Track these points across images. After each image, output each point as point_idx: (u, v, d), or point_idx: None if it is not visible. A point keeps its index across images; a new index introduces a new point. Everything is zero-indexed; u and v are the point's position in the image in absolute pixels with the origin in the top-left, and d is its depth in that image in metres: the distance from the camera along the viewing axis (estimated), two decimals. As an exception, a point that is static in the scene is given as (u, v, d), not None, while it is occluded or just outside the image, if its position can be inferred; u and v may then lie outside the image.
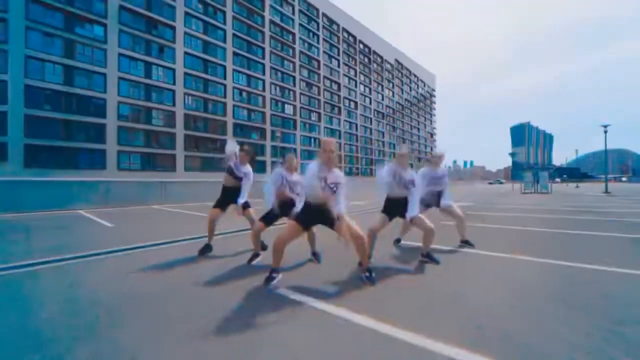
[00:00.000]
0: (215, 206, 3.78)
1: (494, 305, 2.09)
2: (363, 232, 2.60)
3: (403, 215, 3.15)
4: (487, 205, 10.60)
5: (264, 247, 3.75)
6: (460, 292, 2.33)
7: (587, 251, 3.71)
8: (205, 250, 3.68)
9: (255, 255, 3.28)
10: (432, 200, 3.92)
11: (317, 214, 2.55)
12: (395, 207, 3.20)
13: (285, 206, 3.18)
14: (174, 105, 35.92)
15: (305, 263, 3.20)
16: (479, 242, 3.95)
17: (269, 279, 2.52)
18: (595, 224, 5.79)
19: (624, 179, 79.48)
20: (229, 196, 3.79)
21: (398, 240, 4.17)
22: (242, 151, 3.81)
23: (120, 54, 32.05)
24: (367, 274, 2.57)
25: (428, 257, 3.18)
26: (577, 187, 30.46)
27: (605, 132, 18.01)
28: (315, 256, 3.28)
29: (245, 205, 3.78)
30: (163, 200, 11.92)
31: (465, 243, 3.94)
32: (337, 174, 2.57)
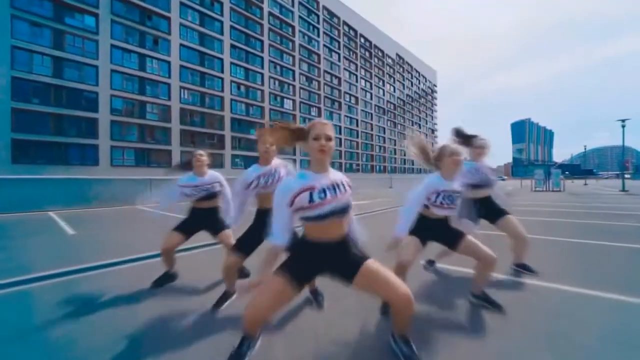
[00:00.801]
0: (175, 229, 2.65)
1: None
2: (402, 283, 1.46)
3: (447, 242, 2.12)
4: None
5: (245, 275, 2.75)
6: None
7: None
8: (164, 280, 2.67)
9: (227, 295, 2.26)
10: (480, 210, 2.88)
11: (329, 261, 1.49)
12: (432, 228, 2.12)
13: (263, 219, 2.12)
14: (169, 99, 34.71)
15: (301, 309, 2.19)
16: (532, 264, 2.94)
17: (238, 355, 1.45)
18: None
19: (627, 176, 78.55)
20: (199, 218, 2.71)
21: (431, 263, 3.10)
22: (201, 156, 2.69)
23: (112, 46, 30.77)
24: (405, 350, 1.51)
25: (485, 299, 2.14)
26: (586, 184, 29.44)
27: (623, 126, 16.90)
28: (316, 297, 2.26)
29: (220, 230, 2.70)
30: (149, 200, 10.92)
31: (522, 267, 2.90)
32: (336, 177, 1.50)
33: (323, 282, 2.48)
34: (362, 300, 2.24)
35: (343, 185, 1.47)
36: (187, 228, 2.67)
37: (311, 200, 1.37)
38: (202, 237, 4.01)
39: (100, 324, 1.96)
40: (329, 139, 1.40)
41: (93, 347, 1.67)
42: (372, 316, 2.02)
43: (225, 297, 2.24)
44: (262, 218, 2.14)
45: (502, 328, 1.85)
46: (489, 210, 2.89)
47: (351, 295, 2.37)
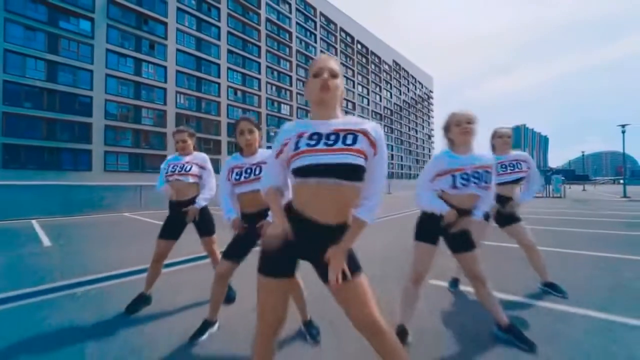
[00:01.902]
0: (161, 236, 2.39)
1: None
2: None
3: (451, 243, 1.78)
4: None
5: (229, 299, 2.38)
6: None
7: None
8: (138, 303, 2.30)
9: (207, 324, 1.89)
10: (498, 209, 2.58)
11: (318, 252, 1.08)
12: (438, 226, 1.74)
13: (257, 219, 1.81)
14: (165, 104, 34.39)
15: (294, 341, 1.83)
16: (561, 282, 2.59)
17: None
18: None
19: (621, 181, 79.02)
20: (179, 217, 2.41)
21: (455, 283, 2.71)
22: (179, 134, 2.49)
23: (108, 50, 30.50)
24: None
25: (511, 332, 1.77)
26: (584, 189, 29.31)
27: (623, 132, 16.80)
28: (310, 330, 1.87)
29: (205, 232, 2.43)
30: (139, 207, 10.47)
31: (550, 287, 2.54)
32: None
33: (319, 314, 2.12)
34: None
35: (353, 136, 1.04)
36: (170, 230, 2.40)
37: (296, 147, 1.05)
38: (183, 251, 3.65)
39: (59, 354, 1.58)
40: (334, 75, 1.08)
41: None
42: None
43: (205, 327, 1.87)
44: (250, 221, 1.83)
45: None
46: (502, 213, 2.56)
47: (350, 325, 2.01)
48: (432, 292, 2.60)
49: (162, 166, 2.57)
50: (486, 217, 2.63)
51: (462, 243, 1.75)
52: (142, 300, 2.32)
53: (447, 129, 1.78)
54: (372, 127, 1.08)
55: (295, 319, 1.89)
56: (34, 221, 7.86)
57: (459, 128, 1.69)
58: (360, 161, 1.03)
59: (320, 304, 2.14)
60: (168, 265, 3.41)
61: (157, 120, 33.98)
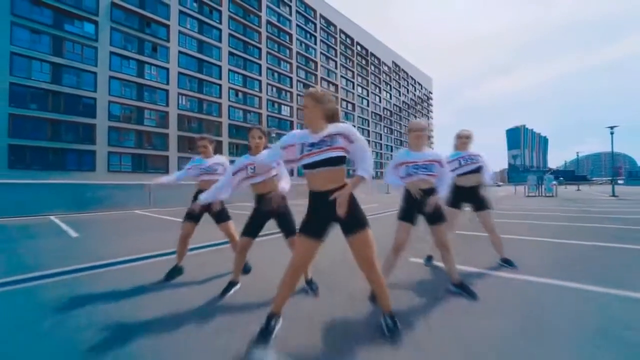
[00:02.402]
0: (186, 219, 2.95)
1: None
2: (381, 253, 1.80)
3: (428, 217, 2.34)
4: (497, 211, 9.86)
5: (246, 270, 2.94)
6: (526, 350, 1.55)
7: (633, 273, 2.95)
8: (174, 273, 2.87)
9: (232, 284, 2.47)
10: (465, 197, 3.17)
11: (331, 209, 1.67)
12: (418, 203, 2.31)
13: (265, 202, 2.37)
14: (167, 105, 34.95)
15: (297, 296, 2.39)
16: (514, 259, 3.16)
17: (266, 332, 1.68)
18: (628, 235, 5.05)
19: (620, 181, 79.73)
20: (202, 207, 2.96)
21: (429, 259, 3.31)
22: (202, 140, 3.11)
23: (111, 52, 31.07)
24: (390, 322, 1.75)
25: (461, 288, 2.37)
26: (579, 189, 29.90)
27: (612, 133, 17.42)
28: (311, 286, 2.47)
29: (222, 218, 2.98)
30: (149, 205, 11.04)
31: (505, 263, 3.14)
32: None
33: (316, 275, 2.70)
34: (352, 290, 2.44)
35: (332, 139, 1.68)
36: (195, 216, 2.94)
37: (300, 152, 1.74)
38: (208, 237, 4.20)
39: (119, 314, 2.14)
40: (305, 107, 1.74)
41: (112, 332, 1.86)
42: (362, 302, 2.21)
43: (230, 286, 2.46)
44: (261, 203, 2.40)
45: (475, 312, 2.06)
46: (475, 199, 3.14)
47: (343, 285, 2.58)
48: (412, 267, 3.17)
49: (187, 165, 3.18)
50: (458, 206, 3.22)
51: (436, 217, 2.33)
52: (176, 270, 2.89)
53: (408, 134, 2.43)
54: (344, 127, 1.71)
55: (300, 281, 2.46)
56: (52, 217, 8.43)
57: (413, 134, 2.32)
58: (339, 153, 1.68)
59: (319, 272, 2.71)
60: (193, 249, 3.98)
61: (160, 122, 34.53)
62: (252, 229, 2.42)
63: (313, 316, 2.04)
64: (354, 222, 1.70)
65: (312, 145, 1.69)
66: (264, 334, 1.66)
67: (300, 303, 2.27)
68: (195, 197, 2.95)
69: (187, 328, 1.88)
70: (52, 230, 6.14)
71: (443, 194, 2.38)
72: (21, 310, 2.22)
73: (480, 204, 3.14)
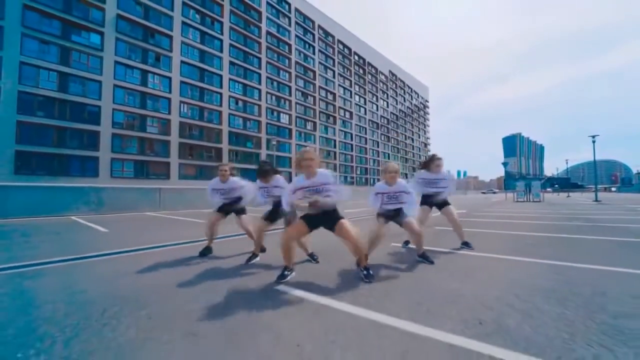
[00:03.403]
0: (217, 210, 3.84)
1: (491, 301, 2.13)
2: (360, 236, 2.67)
3: (398, 222, 3.22)
4: (481, 213, 10.72)
5: (263, 250, 3.76)
6: (457, 290, 2.37)
7: (578, 252, 3.79)
8: (206, 252, 3.69)
9: (254, 255, 3.31)
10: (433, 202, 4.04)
11: (322, 219, 2.64)
12: (390, 214, 3.27)
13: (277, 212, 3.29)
14: (169, 113, 35.90)
15: (304, 263, 3.21)
16: (476, 246, 4.00)
17: (282, 276, 2.58)
18: (586, 229, 5.91)
19: (613, 188, 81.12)
20: (229, 205, 3.86)
21: (407, 242, 4.21)
22: (223, 167, 3.85)
23: (116, 62, 32.10)
24: (365, 272, 2.61)
25: (423, 257, 3.25)
26: (569, 196, 30.96)
27: (594, 142, 18.48)
28: (312, 257, 3.31)
29: (239, 212, 3.82)
30: (158, 208, 11.80)
31: (465, 245, 3.99)
32: (322, 176, 2.61)
33: (316, 248, 3.53)
34: (344, 261, 3.25)
35: (322, 184, 2.58)
36: (223, 210, 3.82)
37: (303, 196, 2.63)
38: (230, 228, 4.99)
39: (168, 279, 2.95)
40: (305, 160, 2.60)
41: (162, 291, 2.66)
42: (350, 267, 3.03)
43: (253, 256, 3.29)
44: (277, 206, 3.27)
45: (436, 273, 2.89)
46: (438, 201, 4.01)
47: (338, 258, 3.39)
48: (392, 250, 3.99)
49: (209, 187, 3.94)
50: (430, 205, 4.05)
51: (401, 219, 3.19)
52: (208, 250, 3.70)
53: (383, 173, 3.31)
54: (325, 175, 2.61)
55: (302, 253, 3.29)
56: (73, 217, 9.17)
57: (388, 175, 3.22)
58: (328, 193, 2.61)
59: (320, 248, 3.54)
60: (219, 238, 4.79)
61: (162, 129, 35.42)
62: (271, 216, 3.29)
63: (317, 270, 2.86)
64: (333, 219, 2.61)
65: (309, 189, 2.59)
66: (279, 278, 2.55)
67: (306, 265, 3.09)
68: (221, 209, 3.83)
69: (224, 284, 2.69)
70: (80, 227, 6.90)
71: (410, 212, 3.25)
72: (93, 278, 3.00)
73: (442, 204, 4.01)
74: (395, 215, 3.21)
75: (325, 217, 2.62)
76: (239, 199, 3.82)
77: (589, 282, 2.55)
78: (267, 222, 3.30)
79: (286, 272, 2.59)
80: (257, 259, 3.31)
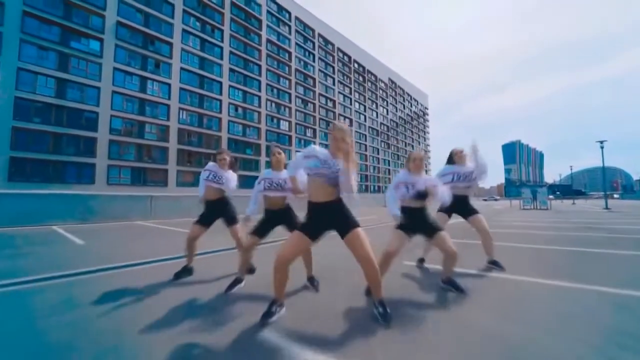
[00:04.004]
0: (196, 222, 3.16)
1: (538, 346, 1.54)
2: (376, 255, 2.04)
3: (426, 232, 2.57)
4: (490, 222, 10.11)
5: (251, 271, 3.16)
6: (511, 338, 1.78)
7: (627, 274, 3.19)
8: (183, 273, 3.08)
9: (238, 280, 2.70)
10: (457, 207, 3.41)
11: (327, 218, 2.03)
12: (413, 220, 2.60)
13: (278, 215, 2.67)
14: (168, 119, 35.53)
15: (300, 291, 2.62)
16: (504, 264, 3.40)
17: (268, 314, 1.96)
18: (616, 242, 5.30)
19: (616, 195, 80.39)
20: (213, 211, 3.21)
21: (421, 261, 3.58)
22: (220, 154, 3.32)
23: (115, 68, 31.87)
24: (381, 309, 1.98)
25: (450, 284, 2.60)
26: (574, 203, 30.30)
27: (602, 147, 17.98)
28: (312, 282, 2.70)
29: (231, 222, 3.21)
30: (149, 216, 11.20)
31: (494, 264, 3.37)
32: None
33: (318, 272, 2.94)
34: (350, 286, 2.66)
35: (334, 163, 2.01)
36: (205, 219, 3.16)
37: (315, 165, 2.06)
38: (216, 243, 4.41)
39: (130, 311, 2.35)
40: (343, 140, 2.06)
41: (124, 326, 2.07)
42: (358, 296, 2.44)
43: (236, 281, 2.67)
44: (269, 215, 2.69)
45: (458, 305, 2.29)
46: (462, 207, 3.40)
47: (341, 282, 2.80)
48: (406, 271, 3.40)
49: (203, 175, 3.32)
50: (449, 212, 3.47)
51: (431, 230, 2.55)
52: (186, 271, 3.10)
53: (407, 161, 2.73)
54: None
55: (300, 272, 2.69)
56: (55, 227, 8.58)
57: (412, 163, 2.65)
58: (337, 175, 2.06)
59: (321, 270, 2.94)
60: (201, 254, 4.20)
61: (160, 135, 35.00)
62: (261, 230, 2.68)
63: (316, 306, 2.26)
64: (347, 224, 2.00)
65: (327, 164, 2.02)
66: (265, 316, 1.94)
67: (303, 295, 2.49)
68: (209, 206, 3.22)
69: (196, 319, 2.09)
70: (56, 239, 6.31)
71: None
72: (29, 310, 2.42)
73: (469, 211, 3.40)
74: (421, 225, 2.57)
75: (336, 219, 2.03)
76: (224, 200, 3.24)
77: (669, 320, 1.96)
78: (258, 237, 2.68)
79: (274, 309, 1.99)
80: (242, 284, 2.71)
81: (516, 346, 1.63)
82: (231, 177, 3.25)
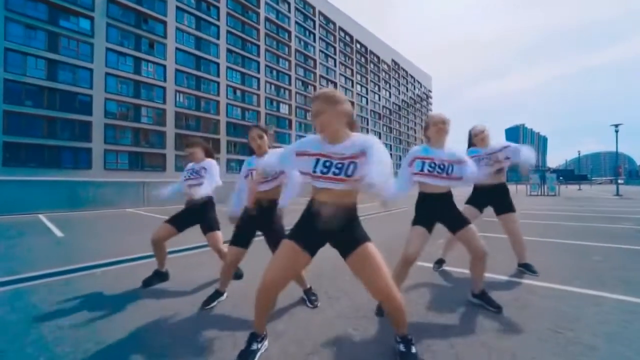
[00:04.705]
0: (167, 221, 2.54)
1: None
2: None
3: (449, 224, 2.02)
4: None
5: (237, 276, 2.64)
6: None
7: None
8: (154, 279, 2.56)
9: (217, 294, 2.16)
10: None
11: (329, 225, 1.36)
12: (434, 209, 2.03)
13: (264, 214, 2.09)
14: (164, 102, 34.52)
15: (294, 307, 2.10)
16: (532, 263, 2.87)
17: (245, 354, 1.41)
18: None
19: (620, 181, 79.65)
20: (190, 214, 2.60)
21: (440, 263, 3.02)
22: (190, 147, 2.76)
23: (108, 49, 30.61)
24: (403, 348, 1.42)
25: (483, 299, 2.06)
26: (580, 189, 29.68)
27: (617, 131, 17.17)
28: (309, 296, 2.16)
29: (210, 228, 2.58)
30: (142, 204, 10.72)
31: (525, 268, 2.82)
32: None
33: (316, 282, 2.42)
34: (357, 300, 2.15)
35: (354, 164, 1.34)
36: (179, 221, 2.56)
37: (314, 169, 1.40)
38: (193, 238, 3.90)
39: (88, 324, 1.84)
40: (319, 112, 1.36)
41: (83, 345, 1.55)
42: (368, 317, 1.92)
43: (215, 296, 2.15)
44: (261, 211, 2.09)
45: (501, 329, 1.77)
46: (498, 200, 2.84)
47: (346, 295, 2.29)
48: (422, 275, 2.88)
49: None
50: (480, 205, 2.89)
51: (457, 222, 2.00)
52: (158, 276, 2.58)
53: (426, 128, 2.07)
54: (369, 143, 1.38)
55: (298, 290, 2.17)
56: (41, 215, 8.11)
57: (435, 127, 1.99)
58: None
59: (318, 279, 2.42)
60: (179, 251, 3.69)
61: (157, 119, 34.12)
62: (242, 238, 2.11)
63: (310, 331, 1.75)
64: (355, 237, 1.42)
65: (330, 166, 1.36)
66: (244, 356, 1.39)
67: (296, 315, 1.98)
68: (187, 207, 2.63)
69: (162, 344, 1.58)
70: (37, 230, 5.83)
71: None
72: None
73: (505, 206, 2.83)
74: (445, 215, 2.01)
75: (341, 230, 1.41)
76: (208, 203, 2.65)
77: None
78: (242, 247, 2.11)
79: (254, 347, 1.44)
80: (223, 298, 2.18)
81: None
82: (209, 164, 2.67)
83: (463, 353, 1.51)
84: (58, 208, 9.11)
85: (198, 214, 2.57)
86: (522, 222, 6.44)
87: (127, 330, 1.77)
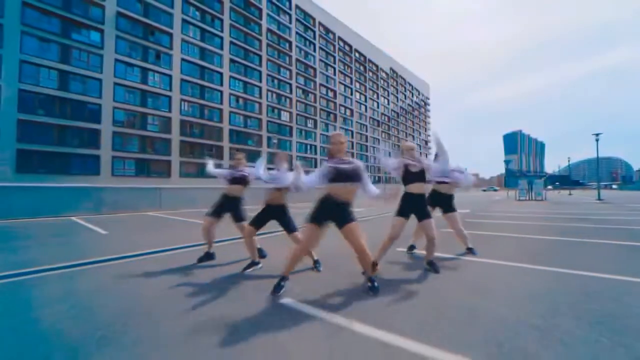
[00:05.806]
0: (209, 214, 3.60)
1: (511, 323, 2.05)
2: (367, 242, 2.55)
3: (420, 215, 3.07)
4: (484, 213, 10.64)
5: (262, 255, 3.68)
6: (471, 306, 2.29)
7: (590, 259, 3.70)
8: (205, 258, 3.60)
9: (253, 263, 3.22)
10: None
11: (332, 209, 2.49)
12: (412, 204, 3.10)
13: (273, 209, 3.17)
14: (170, 111, 35.78)
15: (305, 271, 3.14)
16: (486, 251, 3.92)
17: (278, 287, 2.49)
18: (592, 232, 5.82)
19: (614, 186, 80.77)
20: (226, 204, 3.66)
21: (412, 248, 4.08)
22: (236, 159, 3.88)
23: (116, 60, 31.94)
24: (370, 284, 2.54)
25: (431, 265, 3.16)
26: (570, 194, 30.79)
27: (597, 140, 18.34)
28: (316, 264, 3.23)
29: (239, 219, 3.63)
30: (158, 207, 11.75)
31: (469, 251, 3.92)
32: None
33: (320, 255, 3.46)
34: (347, 267, 3.18)
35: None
36: (218, 211, 3.62)
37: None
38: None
39: (167, 289, 2.88)
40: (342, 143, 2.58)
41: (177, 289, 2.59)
42: (353, 273, 2.96)
43: (251, 265, 3.22)
44: (266, 209, 3.19)
45: (436, 281, 2.81)
46: (444, 203, 3.91)
47: (339, 264, 3.32)
48: (398, 256, 3.92)
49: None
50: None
51: (423, 215, 3.07)
52: (208, 255, 3.62)
53: (401, 153, 3.22)
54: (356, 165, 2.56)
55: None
56: (73, 217, 9.12)
57: (408, 154, 3.14)
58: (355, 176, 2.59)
59: (324, 257, 3.47)
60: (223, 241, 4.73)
61: (162, 127, 35.32)
62: (258, 221, 3.17)
63: (320, 281, 2.79)
64: (346, 217, 2.49)
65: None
66: (276, 289, 2.48)
67: (309, 274, 3.02)
68: (224, 199, 3.68)
69: (224, 296, 2.62)
70: (80, 229, 6.85)
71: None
72: (81, 289, 2.94)
73: (448, 208, 3.90)
74: (417, 209, 3.08)
75: (339, 213, 2.49)
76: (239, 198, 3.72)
77: (614, 296, 2.47)
78: (255, 227, 3.15)
79: (282, 283, 2.53)
80: (259, 266, 3.24)
81: (477, 313, 2.14)
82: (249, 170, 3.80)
83: (412, 292, 2.56)
84: (84, 212, 10.12)
85: (233, 205, 3.64)
86: (496, 222, 7.48)
87: (193, 290, 2.80)
